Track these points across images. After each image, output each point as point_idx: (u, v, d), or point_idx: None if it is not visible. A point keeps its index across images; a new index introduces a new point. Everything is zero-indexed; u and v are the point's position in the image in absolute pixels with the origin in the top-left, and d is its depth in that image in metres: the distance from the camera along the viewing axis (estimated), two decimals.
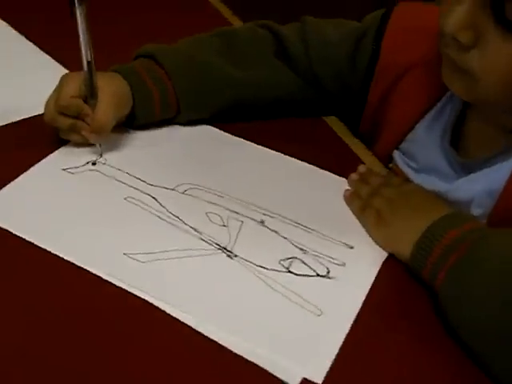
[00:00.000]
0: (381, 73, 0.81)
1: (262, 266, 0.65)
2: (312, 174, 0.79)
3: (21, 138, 0.78)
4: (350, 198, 0.75)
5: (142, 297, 0.60)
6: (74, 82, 0.74)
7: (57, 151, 0.76)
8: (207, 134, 0.84)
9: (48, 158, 0.75)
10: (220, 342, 0.57)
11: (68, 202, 0.70)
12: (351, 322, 0.61)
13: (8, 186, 0.70)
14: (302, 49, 0.85)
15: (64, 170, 0.74)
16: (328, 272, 0.66)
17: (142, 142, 0.80)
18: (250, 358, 0.56)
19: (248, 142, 0.83)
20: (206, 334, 0.58)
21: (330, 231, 0.71)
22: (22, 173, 0.72)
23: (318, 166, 0.80)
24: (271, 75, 0.86)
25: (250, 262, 0.66)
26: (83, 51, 0.72)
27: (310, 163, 0.80)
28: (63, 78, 0.75)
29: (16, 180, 0.71)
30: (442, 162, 0.76)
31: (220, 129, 0.85)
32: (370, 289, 0.65)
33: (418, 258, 0.64)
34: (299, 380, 0.55)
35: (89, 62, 0.73)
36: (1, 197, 0.69)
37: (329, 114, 0.92)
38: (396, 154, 0.82)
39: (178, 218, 0.69)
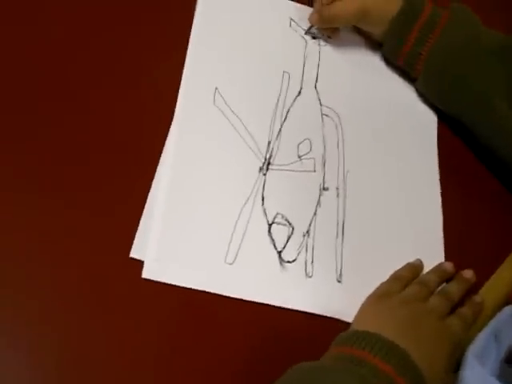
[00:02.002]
0: None
1: (263, 198, 0.64)
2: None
3: None
4: (408, 266, 0.64)
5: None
6: None
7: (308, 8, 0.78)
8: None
9: (297, 5, 0.78)
10: None
11: (254, 38, 0.73)
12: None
13: None
14: None
15: (291, 20, 0.77)
16: (285, 260, 0.61)
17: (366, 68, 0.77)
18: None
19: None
20: None
21: (357, 256, 0.64)
22: None
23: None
24: None
25: (263, 189, 0.64)
26: None
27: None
28: None
29: None
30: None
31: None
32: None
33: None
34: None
35: None
36: None
37: None
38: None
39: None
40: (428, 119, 0.76)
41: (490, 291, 0.65)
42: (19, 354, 0.53)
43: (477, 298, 0.63)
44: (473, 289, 0.64)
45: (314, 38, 0.77)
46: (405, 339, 0.54)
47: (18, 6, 0.67)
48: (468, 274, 0.65)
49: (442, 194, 0.71)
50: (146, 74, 0.68)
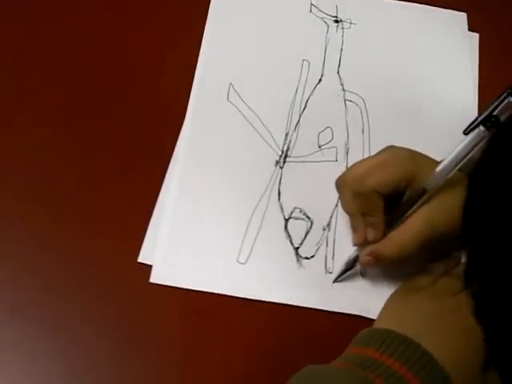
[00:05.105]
0: None
1: (279, 193, 0.61)
2: None
3: None
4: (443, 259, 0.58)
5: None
6: (386, 173, 0.54)
7: None
8: None
9: None
10: None
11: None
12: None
13: None
14: None
15: (311, 5, 0.73)
16: (302, 257, 0.58)
17: None
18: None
19: None
20: None
21: None
22: None
23: None
24: None
25: (279, 183, 0.61)
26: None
27: None
28: (386, 157, 0.55)
29: None
30: None
31: None
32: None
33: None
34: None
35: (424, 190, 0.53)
36: None
37: None
38: None
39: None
40: (464, 101, 0.69)
41: None
42: (22, 356, 0.53)
43: None
44: None
45: (336, 21, 0.73)
46: (431, 337, 0.50)
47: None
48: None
49: None
50: (158, 71, 0.67)
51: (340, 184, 0.56)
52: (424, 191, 0.52)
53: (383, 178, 0.53)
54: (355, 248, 0.57)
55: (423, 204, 0.52)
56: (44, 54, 0.66)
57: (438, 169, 0.51)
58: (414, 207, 0.53)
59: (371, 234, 0.55)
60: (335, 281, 0.57)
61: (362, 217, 0.55)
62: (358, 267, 0.57)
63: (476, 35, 0.74)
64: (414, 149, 0.56)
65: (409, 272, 0.57)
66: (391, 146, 0.55)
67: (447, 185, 0.52)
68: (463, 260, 0.58)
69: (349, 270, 0.57)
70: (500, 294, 0.32)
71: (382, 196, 0.53)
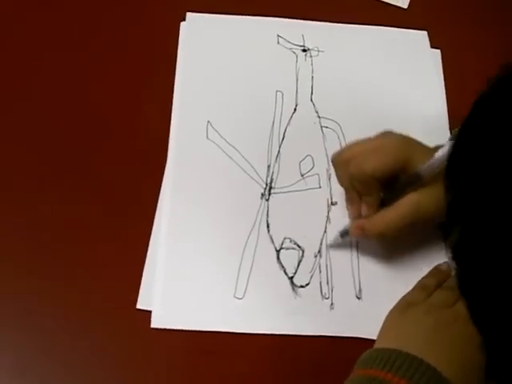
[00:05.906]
0: None
1: (268, 225, 0.62)
2: None
3: None
4: (434, 272, 0.60)
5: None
6: (382, 158, 0.56)
7: None
8: None
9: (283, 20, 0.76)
10: None
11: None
12: None
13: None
14: None
15: (278, 36, 0.75)
16: (297, 285, 0.59)
17: None
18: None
19: None
20: None
21: (375, 269, 0.61)
22: None
23: None
24: None
25: (267, 215, 0.62)
26: None
27: None
28: (382, 142, 0.58)
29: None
30: None
31: None
32: None
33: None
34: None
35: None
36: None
37: None
38: None
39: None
40: (438, 120, 0.71)
41: None
42: None
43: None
44: None
45: (304, 50, 0.75)
46: (433, 351, 0.51)
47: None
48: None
49: None
50: (134, 117, 0.68)
51: (336, 162, 0.60)
52: (418, 176, 0.54)
53: (379, 163, 0.56)
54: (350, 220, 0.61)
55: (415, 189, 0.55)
56: (28, 101, 0.67)
57: (436, 155, 0.53)
58: (408, 190, 0.55)
59: (365, 211, 0.58)
60: (330, 246, 0.61)
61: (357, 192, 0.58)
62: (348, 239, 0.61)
63: (438, 51, 0.76)
64: None
65: (404, 287, 0.58)
66: (387, 132, 0.58)
67: (439, 175, 0.53)
68: (454, 272, 0.60)
69: (342, 237, 0.60)
70: (478, 240, 0.33)
71: (378, 180, 0.56)
